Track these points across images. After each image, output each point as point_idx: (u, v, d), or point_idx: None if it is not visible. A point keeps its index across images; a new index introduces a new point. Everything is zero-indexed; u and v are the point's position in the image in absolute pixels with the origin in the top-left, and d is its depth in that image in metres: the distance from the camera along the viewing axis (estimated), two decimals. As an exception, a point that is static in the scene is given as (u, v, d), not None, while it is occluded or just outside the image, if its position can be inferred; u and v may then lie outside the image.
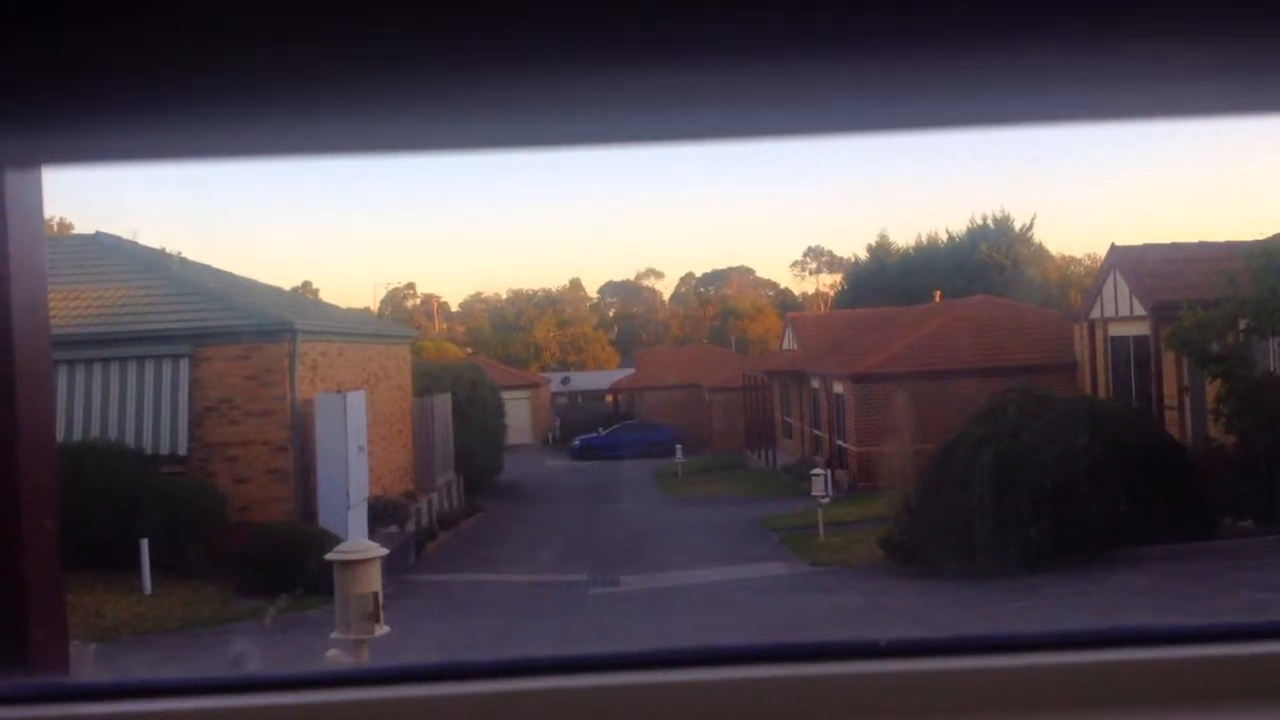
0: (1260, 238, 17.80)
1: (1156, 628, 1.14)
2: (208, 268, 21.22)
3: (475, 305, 79.29)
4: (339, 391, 18.17)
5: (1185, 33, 0.65)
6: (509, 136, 0.74)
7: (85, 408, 16.71)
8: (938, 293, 36.03)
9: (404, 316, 65.40)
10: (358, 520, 17.17)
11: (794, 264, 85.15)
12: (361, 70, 0.66)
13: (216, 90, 0.67)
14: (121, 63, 0.66)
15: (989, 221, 49.91)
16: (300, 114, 0.70)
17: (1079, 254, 56.01)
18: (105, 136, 0.73)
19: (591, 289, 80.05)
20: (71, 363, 16.49)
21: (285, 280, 68.76)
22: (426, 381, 26.16)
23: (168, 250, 21.00)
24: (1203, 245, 21.30)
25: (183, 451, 16.81)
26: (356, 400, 18.28)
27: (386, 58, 0.65)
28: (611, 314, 79.52)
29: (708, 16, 0.63)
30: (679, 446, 35.93)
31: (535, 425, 48.89)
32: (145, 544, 14.43)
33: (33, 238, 1.20)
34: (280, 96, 0.68)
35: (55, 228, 31.96)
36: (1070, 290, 36.12)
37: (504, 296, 77.98)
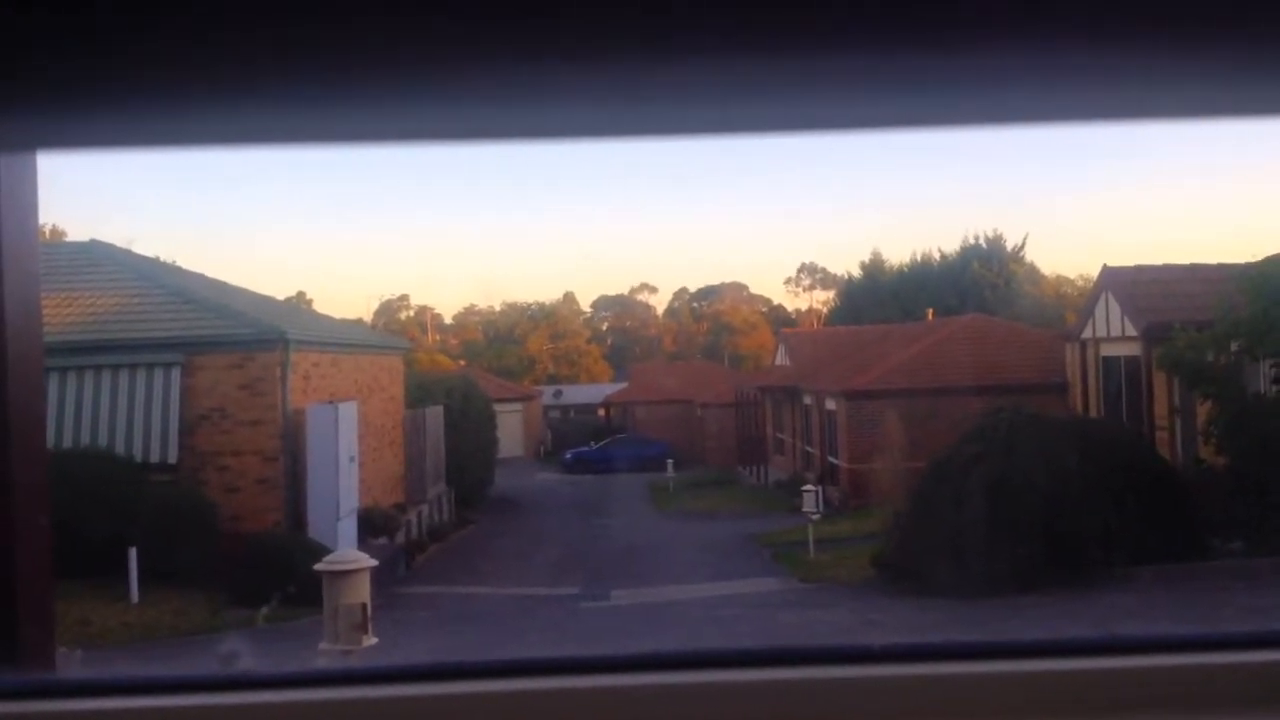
0: (1253, 259, 17.87)
1: (1151, 636, 1.14)
2: (201, 276, 21.19)
3: (469, 317, 79.25)
4: (331, 402, 18.13)
5: (1188, 34, 0.66)
6: (507, 128, 0.75)
7: (76, 415, 16.65)
8: (930, 311, 36.12)
9: (397, 328, 65.33)
10: (347, 531, 17.12)
11: (788, 280, 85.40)
12: (358, 60, 0.67)
13: (213, 76, 0.68)
14: (119, 47, 0.66)
15: (981, 241, 50.09)
16: (296, 102, 0.70)
17: (1072, 274, 56.20)
18: (100, 121, 0.73)
19: (585, 302, 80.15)
20: (64, 370, 16.45)
21: (279, 290, 68.72)
22: (419, 393, 26.12)
23: (161, 259, 20.98)
24: (1195, 267, 21.38)
25: (173, 460, 16.75)
26: (348, 411, 18.25)
27: (383, 48, 0.66)
28: (605, 328, 79.52)
29: (707, 13, 0.64)
30: (670, 461, 35.90)
31: (527, 438, 48.81)
32: (134, 552, 14.37)
33: (26, 227, 1.19)
34: (277, 84, 0.69)
35: (48, 234, 31.91)
36: (1066, 311, 36.20)
37: (498, 309, 78.00)
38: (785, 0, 0.64)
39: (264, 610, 13.06)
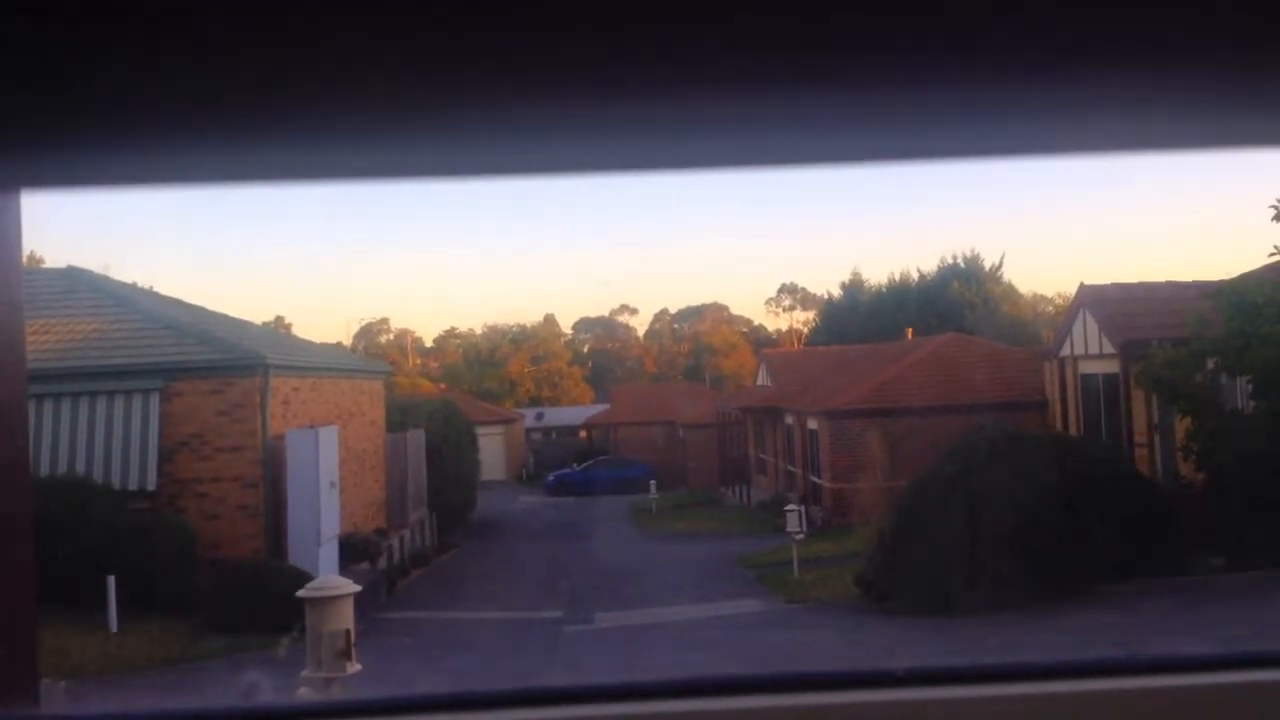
0: (1228, 276, 18.02)
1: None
2: (179, 302, 21.08)
3: (449, 341, 79.06)
4: (311, 427, 18.04)
5: (1170, 65, 0.66)
6: (499, 164, 0.74)
7: (54, 442, 16.50)
8: (909, 330, 36.29)
9: (377, 351, 65.14)
10: (329, 557, 17.00)
11: (768, 301, 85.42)
12: (347, 97, 0.66)
13: (198, 115, 0.67)
14: (102, 85, 0.66)
15: (959, 260, 50.41)
16: (289, 138, 0.70)
17: (1049, 293, 56.59)
18: (84, 160, 0.72)
19: (566, 325, 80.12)
20: (41, 397, 16.30)
21: (258, 315, 68.51)
22: (400, 417, 26.02)
23: (137, 285, 20.87)
24: (1171, 284, 21.56)
25: (152, 487, 16.61)
26: (329, 436, 18.16)
27: (375, 85, 0.65)
28: (586, 350, 79.50)
29: (705, 49, 0.64)
30: (653, 482, 35.85)
31: (509, 461, 48.67)
32: (112, 581, 14.23)
33: (10, 265, 1.19)
34: (268, 121, 0.68)
35: (26, 260, 31.69)
36: (1044, 329, 36.44)
37: (478, 332, 77.86)
38: (783, 37, 0.64)
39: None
